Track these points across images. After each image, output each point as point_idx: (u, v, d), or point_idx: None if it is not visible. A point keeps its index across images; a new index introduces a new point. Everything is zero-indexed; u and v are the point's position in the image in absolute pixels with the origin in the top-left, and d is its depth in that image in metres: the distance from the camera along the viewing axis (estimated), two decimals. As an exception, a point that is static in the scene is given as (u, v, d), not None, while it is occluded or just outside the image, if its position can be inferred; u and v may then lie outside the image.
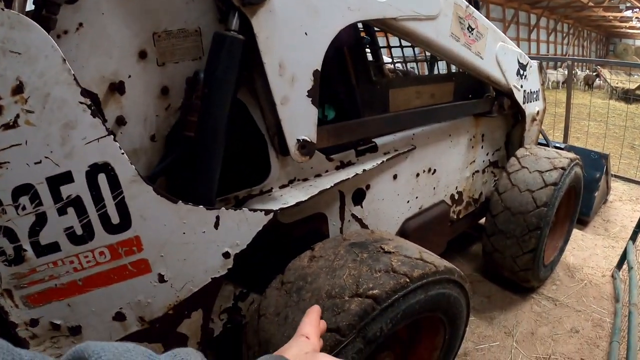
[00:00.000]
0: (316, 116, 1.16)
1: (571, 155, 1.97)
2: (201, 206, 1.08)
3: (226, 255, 1.14)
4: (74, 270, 0.99)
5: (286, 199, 1.23)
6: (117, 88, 1.02)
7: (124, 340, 1.10)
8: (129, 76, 1.04)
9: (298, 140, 1.16)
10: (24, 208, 0.90)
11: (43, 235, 0.93)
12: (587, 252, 2.73)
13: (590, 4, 16.94)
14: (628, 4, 16.01)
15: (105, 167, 0.96)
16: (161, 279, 1.08)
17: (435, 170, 1.67)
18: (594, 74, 12.57)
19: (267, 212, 1.16)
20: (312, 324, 0.69)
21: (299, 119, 1.14)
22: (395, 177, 1.52)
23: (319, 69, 1.15)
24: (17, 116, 0.86)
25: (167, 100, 1.10)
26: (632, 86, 10.35)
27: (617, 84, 10.66)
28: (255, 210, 1.15)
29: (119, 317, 1.08)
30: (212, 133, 1.07)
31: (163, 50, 1.08)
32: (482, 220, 2.22)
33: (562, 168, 1.84)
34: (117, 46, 1.03)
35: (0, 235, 0.89)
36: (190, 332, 1.18)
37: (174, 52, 1.10)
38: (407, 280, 1.09)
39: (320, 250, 1.22)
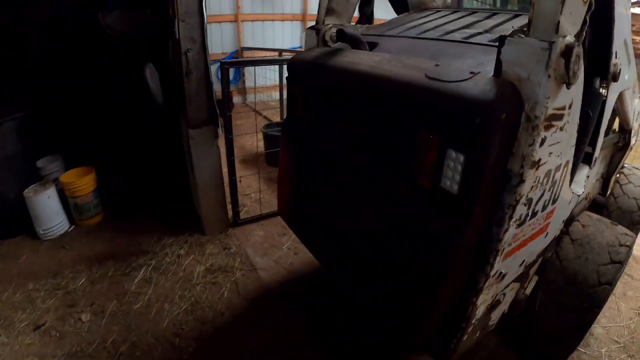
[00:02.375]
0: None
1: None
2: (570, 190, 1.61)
3: (563, 221, 1.67)
4: (531, 229, 1.39)
5: (578, 190, 1.80)
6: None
7: (513, 281, 1.53)
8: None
9: (595, 157, 1.77)
10: (541, 185, 1.30)
11: (538, 205, 1.33)
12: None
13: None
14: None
15: (568, 163, 1.42)
16: (546, 235, 1.54)
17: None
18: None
19: (578, 196, 1.75)
20: None
21: (600, 145, 1.75)
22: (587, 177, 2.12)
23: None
24: (565, 123, 1.25)
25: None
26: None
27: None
28: (576, 195, 1.73)
29: (522, 263, 1.49)
30: (584, 148, 1.59)
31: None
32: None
33: (657, 185, 2.68)
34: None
35: (527, 204, 1.26)
36: (532, 273, 1.67)
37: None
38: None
39: (584, 221, 1.80)
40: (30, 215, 2.72)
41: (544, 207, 1.39)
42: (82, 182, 2.80)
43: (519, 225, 1.28)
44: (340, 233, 1.79)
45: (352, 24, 2.14)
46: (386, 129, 1.45)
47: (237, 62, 2.99)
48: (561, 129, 1.25)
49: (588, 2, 1.16)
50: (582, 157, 1.61)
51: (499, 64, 1.18)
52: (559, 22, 1.09)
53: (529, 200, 1.25)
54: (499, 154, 1.17)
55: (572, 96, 1.24)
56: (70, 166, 2.96)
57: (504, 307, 1.61)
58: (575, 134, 1.37)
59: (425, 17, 2.06)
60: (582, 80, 1.26)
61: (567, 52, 1.09)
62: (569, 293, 1.66)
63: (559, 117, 1.21)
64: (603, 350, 2.05)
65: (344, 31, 1.81)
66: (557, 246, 1.75)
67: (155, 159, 3.19)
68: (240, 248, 2.83)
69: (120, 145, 3.15)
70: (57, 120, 2.95)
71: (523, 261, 1.50)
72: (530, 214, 1.31)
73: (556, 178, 1.36)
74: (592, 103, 1.55)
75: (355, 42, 1.81)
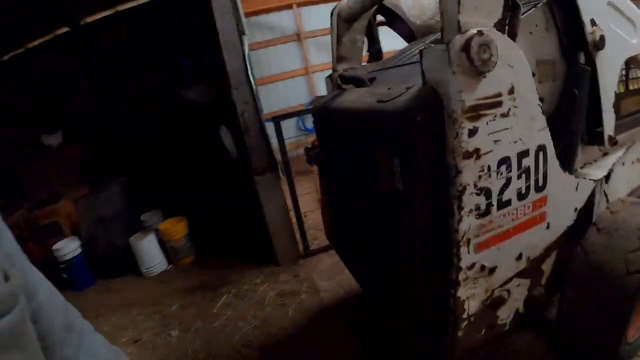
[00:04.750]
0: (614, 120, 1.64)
1: None
2: (572, 175, 1.51)
3: (575, 210, 1.56)
4: (512, 220, 1.38)
5: (595, 174, 1.67)
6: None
7: (515, 276, 1.48)
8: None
9: (610, 135, 1.64)
10: (500, 174, 1.30)
11: (505, 194, 1.33)
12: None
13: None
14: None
15: (543, 147, 1.38)
16: (548, 226, 1.48)
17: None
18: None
19: (594, 181, 1.61)
20: None
21: (611, 121, 1.61)
22: (623, 163, 1.99)
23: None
24: (509, 109, 1.28)
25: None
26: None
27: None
28: (590, 180, 1.60)
29: (519, 257, 1.46)
30: (580, 128, 1.52)
31: (540, 72, 1.53)
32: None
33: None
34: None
35: (482, 194, 1.28)
36: (546, 268, 1.56)
37: (544, 74, 1.55)
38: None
39: (614, 207, 1.66)
40: (136, 258, 3.46)
41: (522, 196, 1.37)
42: (176, 228, 3.48)
43: (481, 216, 1.31)
44: (359, 248, 1.98)
45: (363, 63, 2.37)
46: (362, 150, 1.66)
47: (287, 114, 3.41)
48: (504, 115, 1.27)
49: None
50: (579, 138, 1.52)
51: (423, 74, 1.30)
52: (458, 22, 1.19)
53: (483, 190, 1.28)
54: (428, 150, 1.26)
55: (511, 80, 1.27)
56: (167, 217, 3.70)
57: (515, 305, 1.54)
58: (540, 116, 1.35)
59: (422, 42, 2.18)
60: (524, 62, 1.29)
61: (465, 46, 1.17)
62: (596, 287, 1.51)
63: (493, 105, 1.25)
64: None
65: (343, 75, 2.08)
66: (582, 237, 1.61)
67: (235, 204, 3.73)
68: (308, 275, 3.10)
69: (206, 197, 3.81)
70: (154, 180, 3.76)
71: (520, 255, 1.46)
72: (495, 203, 1.32)
73: (526, 164, 1.35)
74: (577, 79, 1.49)
75: (357, 82, 2.05)
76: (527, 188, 1.37)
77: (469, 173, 1.24)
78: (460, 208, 1.26)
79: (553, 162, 1.42)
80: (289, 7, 6.65)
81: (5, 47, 3.47)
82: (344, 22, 2.23)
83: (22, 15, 3.03)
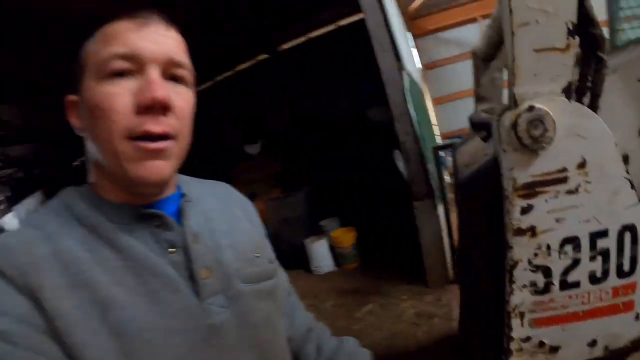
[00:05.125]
0: None
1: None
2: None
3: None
4: (581, 303, 1.27)
5: None
6: (624, 160, 1.29)
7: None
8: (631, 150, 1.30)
9: None
10: (565, 254, 1.23)
11: (571, 275, 1.25)
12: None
13: None
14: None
15: (632, 228, 1.22)
16: (637, 317, 1.28)
17: None
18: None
19: None
20: None
21: None
22: None
23: None
24: (579, 185, 1.20)
25: (654, 171, 1.32)
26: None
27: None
28: None
29: (592, 343, 1.31)
30: None
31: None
32: None
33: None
34: (623, 124, 1.30)
35: (539, 271, 1.24)
36: None
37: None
38: None
39: None
40: (308, 257, 4.15)
41: (596, 280, 1.25)
42: (345, 237, 4.05)
43: (538, 293, 1.28)
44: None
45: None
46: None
47: (446, 145, 3.48)
48: (571, 192, 1.21)
49: (570, 47, 1.16)
50: None
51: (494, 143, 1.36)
52: (514, 95, 1.21)
53: (540, 268, 1.26)
54: (481, 222, 1.33)
55: (581, 152, 1.19)
56: (343, 225, 4.29)
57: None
58: (629, 191, 1.19)
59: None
60: (602, 129, 1.18)
61: (514, 123, 1.18)
62: None
63: (556, 181, 1.21)
64: None
65: (472, 119, 2.10)
66: None
67: (397, 223, 4.02)
68: (449, 301, 3.16)
69: (375, 212, 4.24)
70: (334, 191, 4.38)
71: (594, 341, 1.31)
72: (556, 283, 1.26)
73: (603, 246, 1.23)
74: None
75: (485, 127, 2.05)
76: (605, 272, 1.24)
77: (521, 250, 1.24)
78: (511, 282, 1.28)
79: (652, 244, 1.22)
80: (473, 20, 6.40)
81: (219, 70, 4.64)
82: (481, 61, 2.24)
83: (234, 44, 4.05)
